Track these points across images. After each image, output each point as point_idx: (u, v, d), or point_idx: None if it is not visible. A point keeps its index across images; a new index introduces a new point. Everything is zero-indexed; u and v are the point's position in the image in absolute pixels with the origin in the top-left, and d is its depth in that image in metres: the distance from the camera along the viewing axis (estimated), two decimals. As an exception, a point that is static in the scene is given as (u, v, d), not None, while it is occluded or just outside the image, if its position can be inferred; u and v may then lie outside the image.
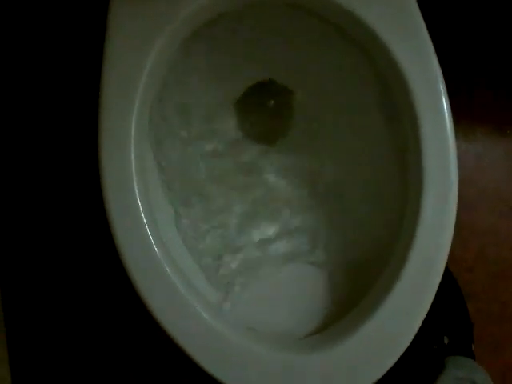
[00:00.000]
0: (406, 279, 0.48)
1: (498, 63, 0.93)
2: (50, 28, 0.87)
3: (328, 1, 0.54)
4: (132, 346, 0.85)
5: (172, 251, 0.50)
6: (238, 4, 0.55)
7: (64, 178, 0.87)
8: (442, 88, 0.53)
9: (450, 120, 0.53)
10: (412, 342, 0.78)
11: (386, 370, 0.47)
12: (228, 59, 0.64)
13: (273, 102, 0.71)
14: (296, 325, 0.54)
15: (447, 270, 0.86)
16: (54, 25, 0.87)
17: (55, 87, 0.88)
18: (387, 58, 0.54)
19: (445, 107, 0.53)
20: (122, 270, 0.48)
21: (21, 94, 0.88)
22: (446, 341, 0.80)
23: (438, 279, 0.49)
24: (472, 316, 0.85)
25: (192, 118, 0.65)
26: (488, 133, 0.91)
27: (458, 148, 0.89)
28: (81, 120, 0.86)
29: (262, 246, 0.62)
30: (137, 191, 0.48)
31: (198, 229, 0.61)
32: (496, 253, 0.89)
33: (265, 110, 0.71)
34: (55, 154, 0.87)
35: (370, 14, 0.52)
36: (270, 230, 0.63)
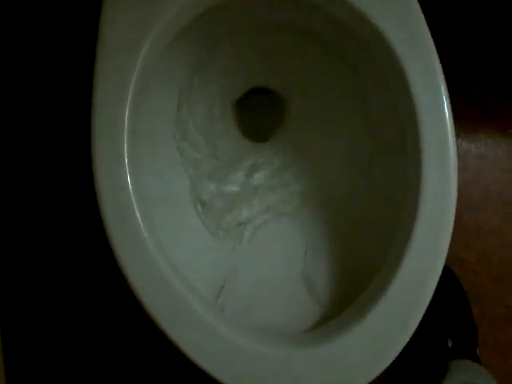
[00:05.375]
0: (403, 275, 0.48)
1: (500, 61, 0.92)
2: (44, 25, 0.87)
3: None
4: (130, 346, 0.84)
5: (168, 249, 0.50)
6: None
7: (59, 178, 0.87)
8: (443, 86, 0.53)
9: (451, 118, 0.52)
10: (415, 345, 0.78)
11: (383, 368, 0.47)
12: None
13: (266, 104, 0.73)
14: (292, 321, 0.54)
15: (451, 272, 0.85)
16: (47, 22, 0.87)
17: (49, 84, 0.88)
18: (387, 54, 0.53)
19: (445, 106, 0.52)
20: (118, 270, 0.48)
21: (14, 93, 0.88)
22: (449, 344, 0.79)
23: (437, 275, 0.48)
24: (476, 319, 0.84)
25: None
26: (490, 133, 0.91)
27: (460, 148, 0.90)
28: (75, 118, 0.86)
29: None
30: (131, 189, 0.48)
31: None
32: (500, 255, 0.88)
33: (259, 111, 0.73)
34: (49, 153, 0.87)
35: (369, 5, 0.52)
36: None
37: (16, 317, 0.84)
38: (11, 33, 0.88)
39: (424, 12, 0.54)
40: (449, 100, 0.53)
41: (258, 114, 0.73)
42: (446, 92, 0.53)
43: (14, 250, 0.86)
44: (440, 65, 0.53)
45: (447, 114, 0.52)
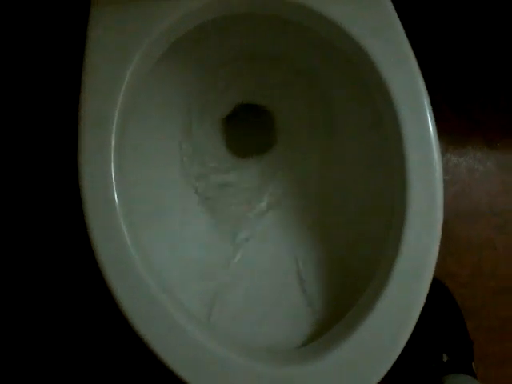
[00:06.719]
0: (391, 290, 0.48)
1: (486, 76, 0.93)
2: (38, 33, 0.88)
3: (313, 12, 0.55)
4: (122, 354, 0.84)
5: (160, 264, 0.50)
6: (215, 15, 0.56)
7: (53, 181, 0.87)
8: (426, 101, 0.53)
9: (435, 132, 0.53)
10: (410, 360, 0.77)
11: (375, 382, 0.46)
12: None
13: (255, 120, 0.74)
14: (281, 338, 0.54)
15: (443, 286, 0.85)
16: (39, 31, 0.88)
17: (41, 88, 0.88)
18: (371, 72, 0.54)
19: (429, 120, 0.53)
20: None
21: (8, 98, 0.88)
22: (445, 358, 0.79)
23: (425, 288, 0.48)
24: (471, 333, 0.83)
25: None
26: (478, 146, 0.91)
27: (450, 162, 0.91)
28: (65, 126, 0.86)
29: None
30: (116, 200, 0.48)
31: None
32: (493, 267, 0.88)
33: (248, 128, 0.74)
34: (44, 157, 0.87)
35: (352, 22, 0.53)
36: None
37: (14, 319, 0.84)
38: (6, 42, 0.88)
39: (407, 27, 0.55)
40: (433, 116, 0.53)
41: (246, 131, 0.73)
42: (430, 108, 0.53)
43: (11, 256, 0.85)
44: (423, 80, 0.54)
45: (431, 129, 0.52)
